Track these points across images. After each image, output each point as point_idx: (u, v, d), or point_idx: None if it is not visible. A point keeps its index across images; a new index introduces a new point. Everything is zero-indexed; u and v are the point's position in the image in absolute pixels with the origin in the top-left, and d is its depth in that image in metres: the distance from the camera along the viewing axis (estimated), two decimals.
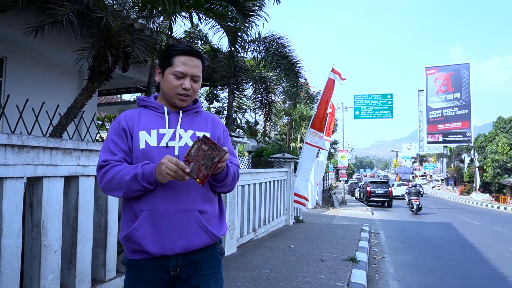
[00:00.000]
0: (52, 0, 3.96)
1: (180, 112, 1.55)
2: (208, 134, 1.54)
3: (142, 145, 1.46)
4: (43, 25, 4.04)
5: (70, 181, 2.77)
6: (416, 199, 17.05)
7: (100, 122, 3.86)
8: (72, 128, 3.67)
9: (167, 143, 1.46)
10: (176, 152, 1.45)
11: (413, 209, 16.80)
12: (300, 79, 10.02)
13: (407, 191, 19.90)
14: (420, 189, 23.63)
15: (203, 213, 1.47)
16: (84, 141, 2.79)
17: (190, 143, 1.48)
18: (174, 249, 1.43)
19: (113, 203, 3.11)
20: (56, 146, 2.51)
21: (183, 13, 5.57)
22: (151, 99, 1.59)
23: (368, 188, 21.86)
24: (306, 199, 9.27)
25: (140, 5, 4.99)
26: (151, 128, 1.49)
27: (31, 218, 2.51)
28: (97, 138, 3.76)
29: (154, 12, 5.04)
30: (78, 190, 2.76)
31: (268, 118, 10.75)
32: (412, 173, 72.68)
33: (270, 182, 7.44)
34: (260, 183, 6.85)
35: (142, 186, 1.37)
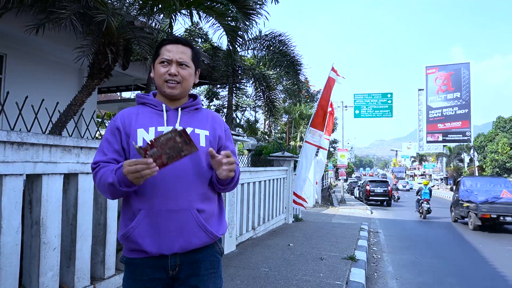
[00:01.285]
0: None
1: (179, 109, 1.52)
2: (207, 132, 1.52)
3: (140, 143, 1.43)
4: (43, 23, 4.03)
5: (70, 179, 2.77)
6: (397, 192, 24.71)
7: (99, 120, 3.85)
8: (72, 126, 3.66)
9: None
10: None
11: (395, 200, 23.94)
12: (300, 76, 10.02)
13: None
14: (407, 186, 41.68)
15: (201, 212, 1.45)
16: (84, 138, 2.79)
17: None
18: (172, 249, 1.41)
19: (112, 201, 3.11)
20: (56, 144, 2.51)
21: (183, 11, 5.55)
22: (149, 97, 1.56)
23: (368, 187, 21.83)
24: (305, 200, 9.26)
25: (141, 2, 4.98)
26: (149, 125, 1.47)
27: (30, 215, 2.51)
28: (96, 135, 3.75)
29: (155, 9, 5.03)
30: (77, 187, 2.76)
31: (269, 116, 10.74)
32: (409, 171, 74.28)
33: (269, 180, 7.44)
34: (260, 182, 6.85)
35: (123, 191, 1.35)
